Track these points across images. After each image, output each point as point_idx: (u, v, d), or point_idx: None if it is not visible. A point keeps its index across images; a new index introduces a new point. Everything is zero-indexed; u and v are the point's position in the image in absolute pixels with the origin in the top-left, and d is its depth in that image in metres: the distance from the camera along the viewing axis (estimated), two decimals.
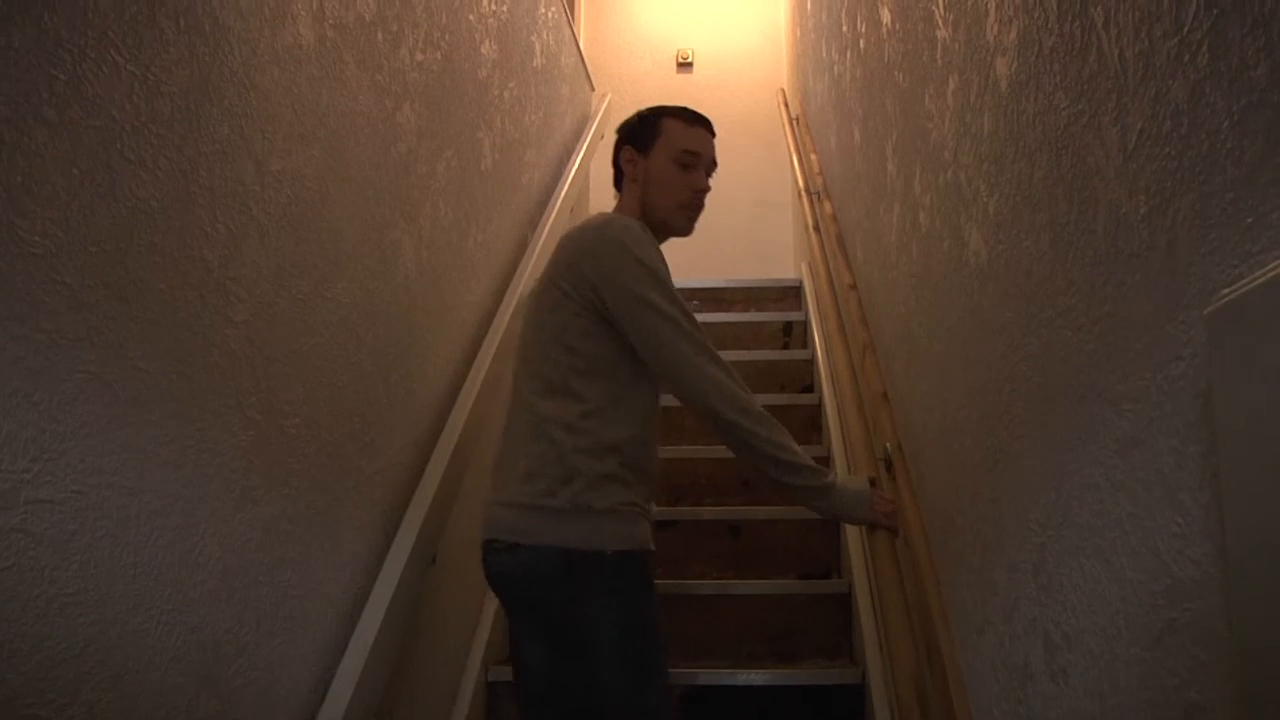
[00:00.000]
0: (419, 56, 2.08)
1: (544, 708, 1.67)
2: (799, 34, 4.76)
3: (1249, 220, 0.71)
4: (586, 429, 1.65)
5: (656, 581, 1.75)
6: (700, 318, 1.86)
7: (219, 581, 1.26)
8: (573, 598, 1.60)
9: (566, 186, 3.63)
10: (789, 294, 4.58)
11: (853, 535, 2.62)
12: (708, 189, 1.90)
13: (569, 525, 1.61)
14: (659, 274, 1.69)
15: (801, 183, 3.93)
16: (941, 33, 1.62)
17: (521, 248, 3.05)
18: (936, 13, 1.65)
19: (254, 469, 1.36)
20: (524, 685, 1.71)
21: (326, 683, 1.56)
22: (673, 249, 1.88)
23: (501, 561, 1.67)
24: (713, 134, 1.93)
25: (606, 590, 1.60)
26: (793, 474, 1.68)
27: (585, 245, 1.74)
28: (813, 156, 3.89)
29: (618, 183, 1.96)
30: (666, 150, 1.86)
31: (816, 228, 3.51)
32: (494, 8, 2.79)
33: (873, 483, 1.81)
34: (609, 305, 1.69)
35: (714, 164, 1.92)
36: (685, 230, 1.91)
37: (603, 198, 2.23)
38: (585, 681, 1.60)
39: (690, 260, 3.84)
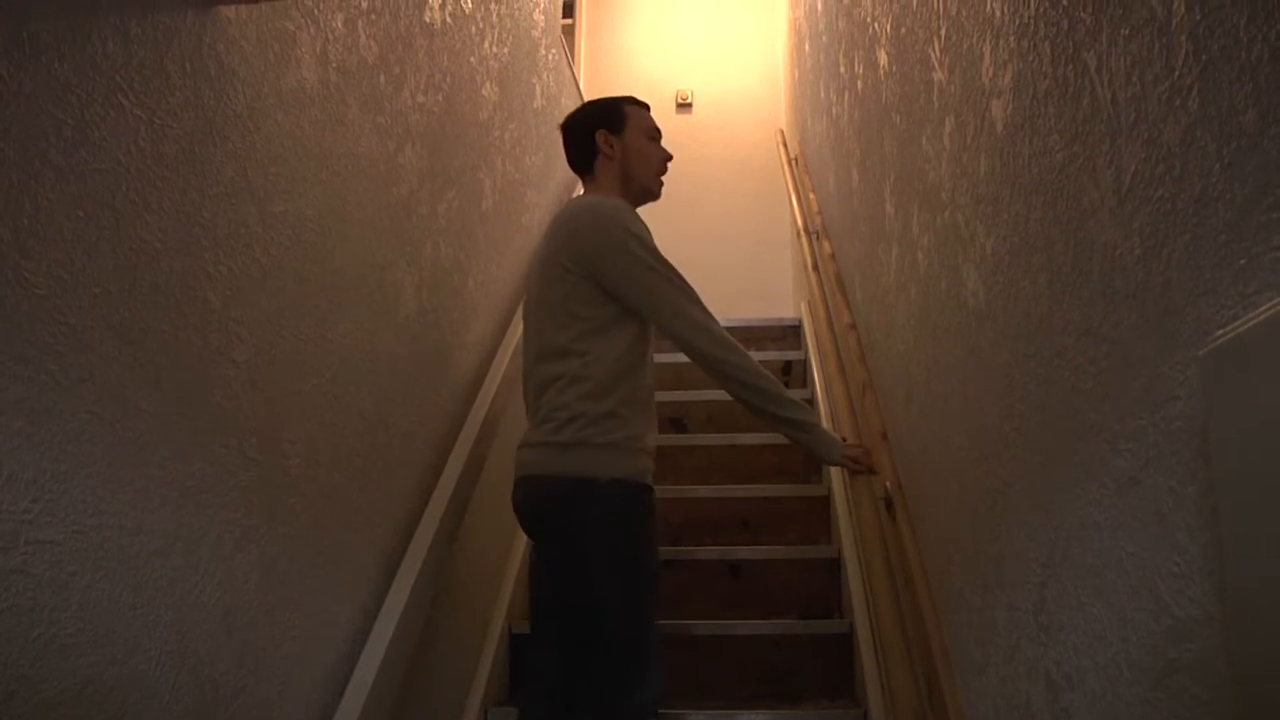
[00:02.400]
0: (421, 99, 2.11)
1: (551, 622, 1.91)
2: (797, 75, 4.81)
3: (1242, 262, 0.72)
4: (587, 375, 1.89)
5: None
6: None
7: (218, 622, 1.26)
8: (576, 519, 1.84)
9: None
10: (788, 333, 4.59)
11: (854, 574, 2.61)
12: (671, 156, 2.25)
13: (572, 456, 1.85)
14: (647, 241, 1.96)
15: (800, 222, 3.96)
16: (938, 75, 1.64)
17: (522, 288, 3.07)
18: (933, 56, 1.67)
19: (254, 509, 1.36)
20: (537, 605, 1.98)
21: None
22: None
23: (523, 491, 1.95)
24: None
25: (602, 513, 1.83)
26: (778, 404, 1.99)
27: (583, 223, 1.99)
28: (811, 196, 3.91)
29: (584, 164, 2.21)
30: (638, 130, 2.19)
31: (815, 267, 3.52)
32: (495, 50, 2.83)
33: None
34: (607, 273, 1.93)
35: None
36: (659, 194, 2.23)
37: None
38: (587, 593, 1.82)
39: None
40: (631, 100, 2.26)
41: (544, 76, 3.64)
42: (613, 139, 2.17)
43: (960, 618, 1.53)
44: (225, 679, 1.27)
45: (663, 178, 2.23)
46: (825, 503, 3.18)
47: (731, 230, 5.71)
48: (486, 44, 2.72)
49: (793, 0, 4.98)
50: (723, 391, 2.00)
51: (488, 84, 2.74)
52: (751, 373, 1.97)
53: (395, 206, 1.93)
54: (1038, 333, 1.16)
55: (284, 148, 1.46)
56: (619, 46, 6.25)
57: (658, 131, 2.24)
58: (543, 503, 1.90)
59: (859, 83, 2.63)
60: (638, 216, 2.02)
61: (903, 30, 1.95)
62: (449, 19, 2.33)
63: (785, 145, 5.09)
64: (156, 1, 1.15)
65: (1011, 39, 1.24)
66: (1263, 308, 0.69)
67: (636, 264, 1.93)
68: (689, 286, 1.97)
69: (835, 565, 2.88)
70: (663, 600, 1.86)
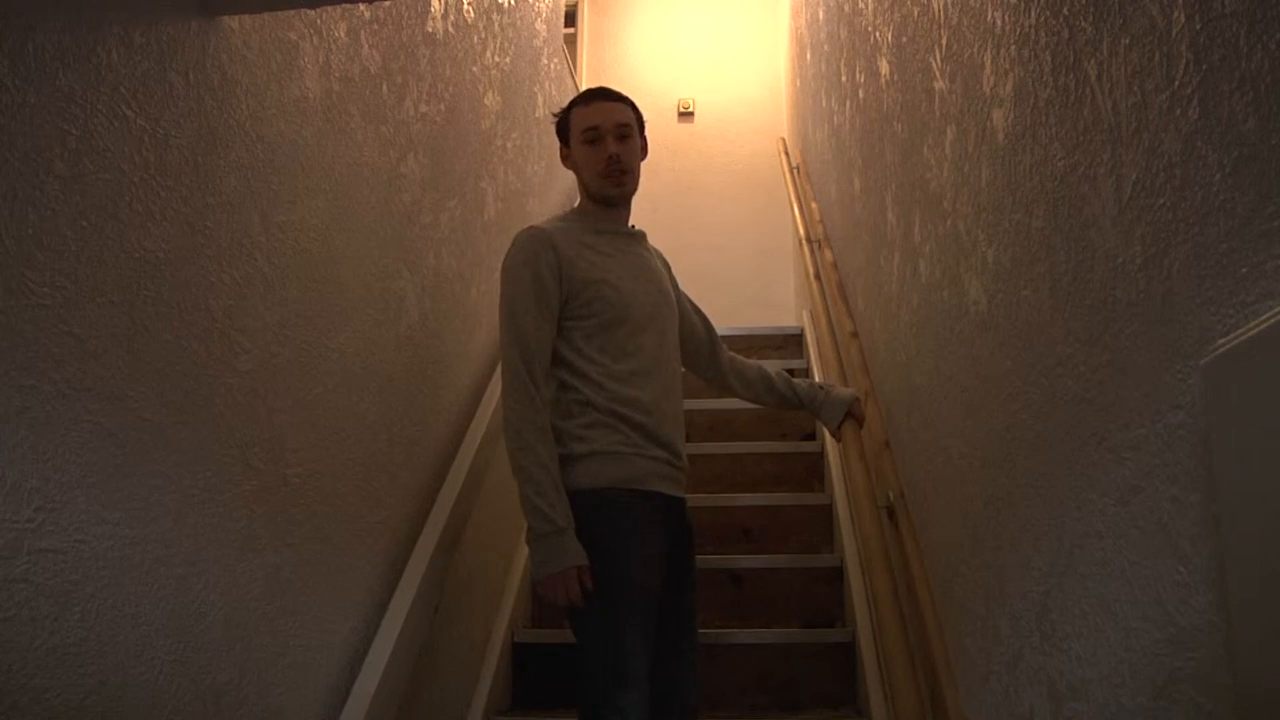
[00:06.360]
0: (423, 108, 2.11)
1: None
2: (799, 84, 4.82)
3: (1243, 270, 0.72)
4: (559, 399, 1.87)
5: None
6: None
7: (221, 631, 1.26)
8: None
9: None
10: (790, 342, 4.58)
11: (856, 583, 2.60)
12: (616, 153, 1.98)
13: (565, 471, 1.81)
14: (510, 293, 1.86)
15: (802, 231, 3.96)
16: (939, 84, 1.64)
17: None
18: (934, 64, 1.68)
19: (257, 518, 1.36)
20: None
21: None
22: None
23: None
24: (616, 99, 2.04)
25: (582, 521, 1.77)
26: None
27: None
28: (813, 205, 3.92)
29: None
30: (576, 135, 2.01)
31: (817, 276, 3.52)
32: (497, 60, 2.84)
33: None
34: None
35: (623, 127, 2.00)
36: (616, 195, 2.01)
37: None
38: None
39: None
40: (577, 100, 2.05)
41: (546, 86, 3.65)
42: (566, 151, 2.05)
43: (963, 626, 1.53)
44: (227, 688, 1.27)
45: (614, 179, 1.97)
46: (827, 511, 3.18)
47: (733, 239, 5.71)
48: (488, 53, 2.73)
49: (794, 9, 4.99)
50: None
51: (490, 93, 2.74)
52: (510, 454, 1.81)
53: (398, 216, 1.94)
54: (1039, 341, 1.16)
55: (287, 157, 1.47)
56: (621, 56, 6.26)
57: (594, 130, 1.97)
58: None
59: (860, 91, 2.63)
60: (526, 258, 1.87)
61: (904, 39, 1.96)
62: (451, 29, 2.34)
63: (787, 154, 5.09)
64: (160, 11, 1.16)
65: (1012, 48, 1.25)
66: (1264, 317, 0.69)
67: (499, 307, 1.87)
68: (515, 343, 1.82)
69: (837, 574, 2.88)
70: (636, 628, 1.73)
